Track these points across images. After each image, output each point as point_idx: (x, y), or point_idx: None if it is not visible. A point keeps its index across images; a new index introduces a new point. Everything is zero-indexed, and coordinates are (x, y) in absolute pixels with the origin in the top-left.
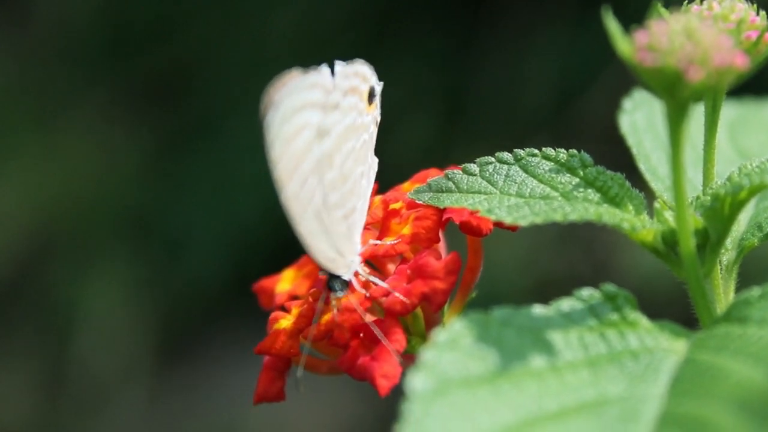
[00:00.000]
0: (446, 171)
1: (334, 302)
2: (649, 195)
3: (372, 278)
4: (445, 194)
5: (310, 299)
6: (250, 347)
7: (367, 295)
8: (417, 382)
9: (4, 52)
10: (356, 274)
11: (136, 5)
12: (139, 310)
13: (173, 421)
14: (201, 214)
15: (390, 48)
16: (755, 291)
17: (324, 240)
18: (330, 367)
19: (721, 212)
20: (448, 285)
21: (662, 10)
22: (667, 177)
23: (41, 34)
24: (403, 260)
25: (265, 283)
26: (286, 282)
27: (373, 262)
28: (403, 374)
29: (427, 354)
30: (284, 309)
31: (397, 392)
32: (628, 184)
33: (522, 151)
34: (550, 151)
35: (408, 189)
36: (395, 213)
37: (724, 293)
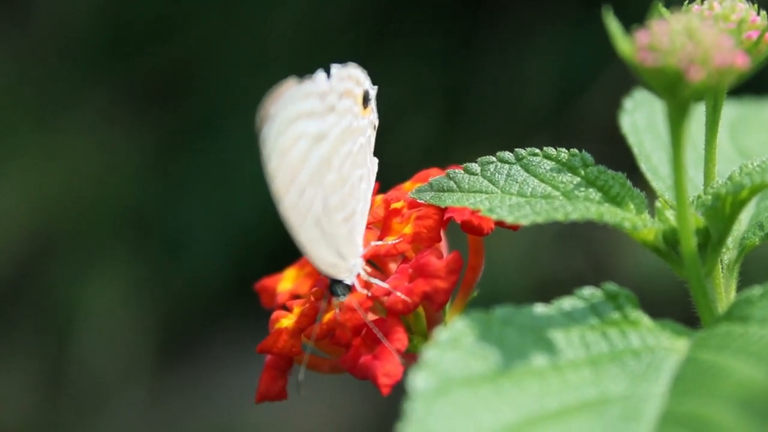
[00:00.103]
0: (447, 170)
1: (336, 304)
2: (650, 194)
3: (374, 280)
4: (446, 193)
5: (312, 298)
6: (250, 347)
7: (369, 294)
8: (419, 380)
9: (4, 52)
10: (358, 276)
11: (136, 5)
12: (139, 310)
13: (173, 420)
14: (201, 214)
15: (390, 48)
16: (756, 290)
17: (324, 246)
18: (332, 366)
19: (722, 211)
20: (450, 284)
21: (663, 9)
22: (668, 176)
23: (41, 33)
24: (405, 259)
25: (266, 282)
26: (287, 281)
27: (375, 262)
28: (405, 373)
29: (429, 353)
30: (286, 308)
31: (398, 391)
32: (629, 183)
33: (523, 150)
34: (551, 150)
35: (409, 188)
36: (397, 212)
37: (725, 292)
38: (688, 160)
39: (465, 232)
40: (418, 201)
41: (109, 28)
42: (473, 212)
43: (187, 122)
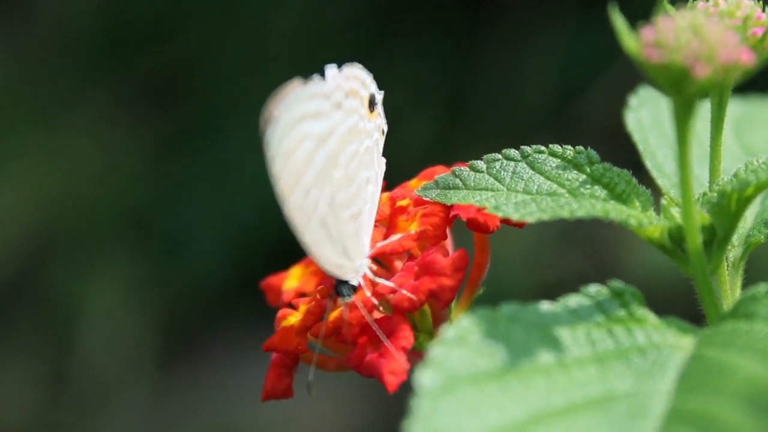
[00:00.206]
0: (453, 168)
1: (341, 304)
2: (656, 192)
3: (380, 280)
4: (452, 191)
5: (318, 296)
6: (251, 347)
7: (369, 294)
8: (425, 378)
9: (4, 52)
10: (364, 276)
11: (136, 5)
12: (140, 309)
13: (174, 420)
14: (201, 213)
15: (390, 48)
16: (762, 287)
17: (330, 247)
18: (338, 364)
19: (727, 209)
20: (456, 282)
21: (668, 6)
22: (673, 174)
23: (41, 33)
24: (411, 257)
25: (272, 280)
26: (293, 279)
27: (381, 259)
28: (411, 371)
29: (436, 350)
30: (292, 306)
31: (402, 389)
32: (634, 180)
33: (529, 148)
34: (557, 148)
35: (415, 186)
36: (402, 210)
37: (730, 289)
38: (694, 157)
39: (470, 229)
40: (424, 198)
41: (109, 28)
42: (479, 210)
43: (188, 122)
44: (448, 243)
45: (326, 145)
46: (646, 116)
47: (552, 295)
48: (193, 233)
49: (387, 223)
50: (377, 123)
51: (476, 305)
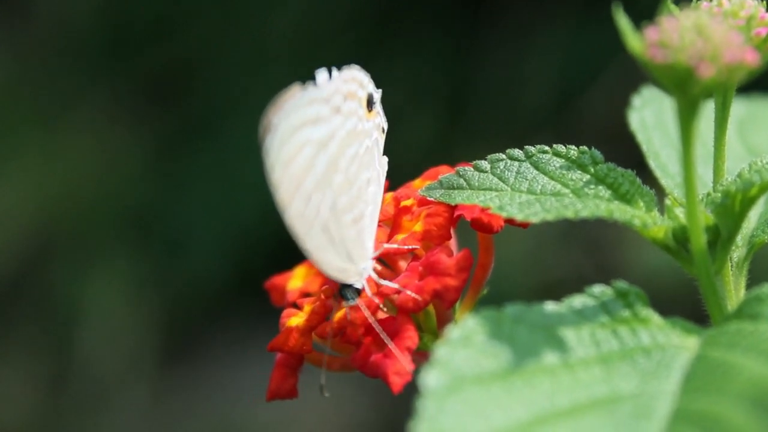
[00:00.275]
0: (457, 168)
1: (346, 307)
2: (659, 192)
3: (384, 282)
4: (456, 191)
5: (322, 296)
6: (251, 347)
7: (371, 295)
8: (431, 378)
9: (4, 52)
10: (369, 278)
11: (136, 5)
12: (140, 309)
13: (174, 420)
14: (201, 213)
15: (390, 48)
16: (766, 288)
17: (332, 251)
18: (342, 364)
19: (731, 209)
20: (460, 282)
21: (672, 6)
22: (677, 174)
23: (41, 33)
24: (415, 257)
25: (276, 280)
26: (297, 279)
27: (385, 260)
28: (416, 371)
29: (441, 351)
30: (296, 306)
31: (405, 389)
32: (638, 180)
33: (533, 148)
34: (560, 148)
35: (419, 186)
36: (406, 210)
37: (734, 290)
38: (698, 157)
39: (475, 229)
40: (428, 198)
41: (109, 28)
42: (483, 210)
43: (188, 122)
44: (453, 243)
45: (327, 150)
46: (650, 116)
47: (555, 294)
48: (193, 233)
49: (391, 223)
50: (376, 122)
51: (480, 305)
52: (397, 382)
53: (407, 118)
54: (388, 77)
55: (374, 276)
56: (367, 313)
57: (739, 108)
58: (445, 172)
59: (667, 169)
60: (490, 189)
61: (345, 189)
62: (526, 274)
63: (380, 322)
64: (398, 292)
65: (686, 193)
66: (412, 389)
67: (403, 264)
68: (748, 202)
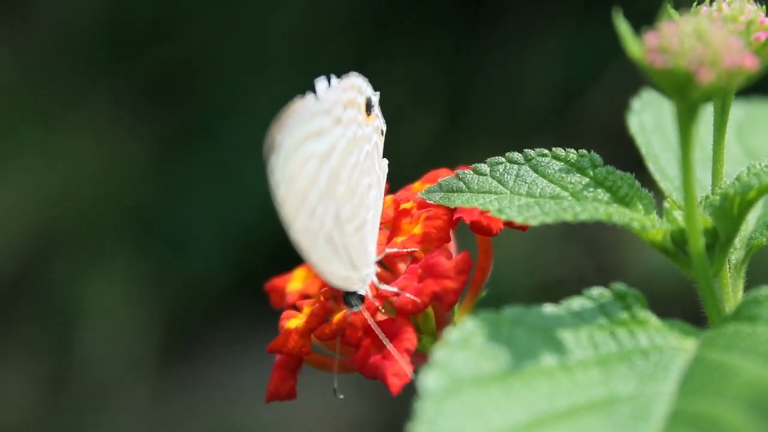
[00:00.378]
0: (457, 171)
1: (349, 313)
2: (658, 195)
3: (385, 287)
4: (455, 194)
5: (322, 298)
6: (251, 347)
7: (371, 298)
8: (429, 380)
9: (4, 52)
10: (371, 284)
11: (137, 5)
12: (141, 309)
13: (174, 420)
14: (202, 213)
15: (390, 48)
16: (764, 290)
17: (336, 261)
18: (342, 366)
19: (730, 212)
20: (459, 284)
21: (672, 11)
22: (676, 177)
23: (42, 33)
24: (414, 260)
25: (276, 282)
26: (297, 281)
27: (384, 262)
28: (414, 373)
29: (440, 353)
30: (296, 308)
31: (404, 391)
32: (637, 183)
33: (532, 151)
34: (560, 151)
35: (419, 189)
36: (406, 213)
37: (732, 292)
38: (696, 160)
39: (474, 232)
40: (428, 201)
41: (109, 27)
42: (482, 213)
43: (188, 122)
44: (452, 246)
45: (329, 161)
46: (649, 119)
47: (555, 296)
48: (194, 233)
49: (391, 225)
50: (375, 125)
51: (479, 308)
52: (395, 384)
53: (407, 118)
54: (388, 77)
55: (375, 281)
56: (367, 315)
57: (738, 111)
58: (444, 175)
59: (666, 172)
60: (490, 192)
61: (348, 198)
62: (526, 276)
63: (379, 323)
64: (397, 294)
65: (685, 196)
66: (411, 391)
67: (402, 266)
68: (747, 205)
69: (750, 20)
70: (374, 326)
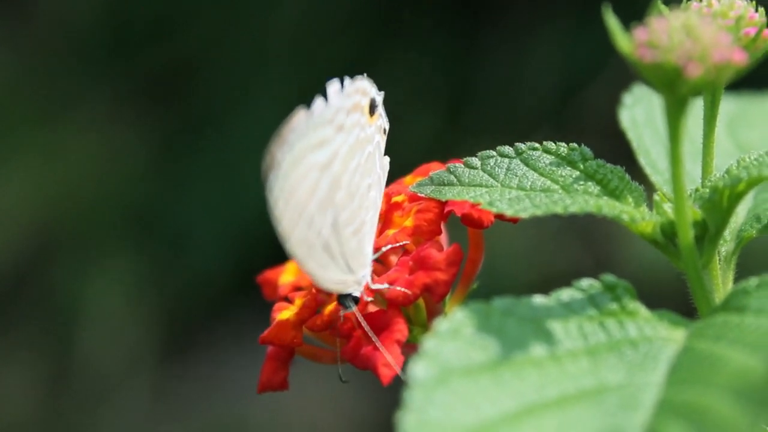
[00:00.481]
0: (448, 164)
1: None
2: (649, 188)
3: (377, 286)
4: (446, 187)
5: (313, 290)
6: (253, 343)
7: (365, 293)
8: (419, 370)
9: (5, 51)
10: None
11: (137, 4)
12: (142, 307)
13: (174, 418)
14: (203, 211)
15: (391, 45)
16: (753, 281)
17: (333, 266)
18: (334, 358)
19: (719, 204)
20: (450, 276)
21: (662, 7)
22: (666, 170)
23: (43, 32)
24: (405, 252)
25: (268, 274)
26: (289, 273)
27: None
28: (405, 363)
29: (429, 343)
30: (288, 300)
31: (402, 384)
32: (627, 177)
33: (523, 144)
34: (550, 144)
35: (410, 182)
36: (397, 206)
37: (722, 284)
38: (687, 154)
39: (465, 225)
40: (419, 195)
41: (110, 26)
42: (473, 205)
43: (189, 120)
44: (443, 238)
45: (330, 170)
46: (641, 114)
47: (552, 291)
48: (194, 232)
49: (382, 218)
50: (378, 124)
51: (470, 300)
52: (386, 374)
53: (407, 118)
54: (390, 76)
55: (371, 282)
56: (357, 313)
57: (729, 105)
58: (435, 169)
59: (656, 165)
60: (481, 185)
61: (347, 203)
62: (524, 271)
63: (371, 315)
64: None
65: (674, 189)
66: (406, 383)
67: (393, 258)
68: (736, 198)
69: (739, 16)
70: (363, 323)
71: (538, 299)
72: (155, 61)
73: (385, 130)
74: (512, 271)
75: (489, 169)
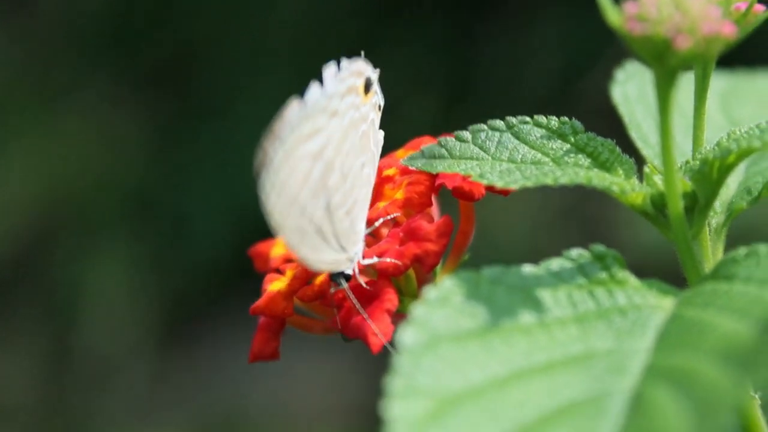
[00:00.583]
0: (439, 138)
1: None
2: (641, 163)
3: (368, 261)
4: (438, 160)
5: None
6: (252, 329)
7: (360, 276)
8: (407, 336)
9: (8, 36)
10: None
11: None
12: (142, 291)
13: (175, 401)
14: (203, 196)
15: (392, 31)
16: (742, 250)
17: (325, 248)
18: (324, 328)
19: (709, 176)
20: (440, 247)
21: None
22: (657, 144)
23: (46, 17)
24: (396, 224)
25: (260, 247)
26: (281, 246)
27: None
28: (395, 333)
29: (418, 310)
30: (279, 271)
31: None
32: (618, 149)
33: (514, 119)
34: (541, 118)
35: (402, 156)
36: (389, 179)
37: (712, 255)
38: (679, 128)
39: (456, 197)
40: (410, 168)
41: (113, 11)
42: (464, 178)
43: (191, 105)
44: (434, 211)
45: (323, 157)
46: (633, 89)
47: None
48: (196, 216)
49: (374, 191)
50: (373, 101)
51: (461, 271)
52: (376, 343)
53: (408, 104)
54: (390, 62)
55: (362, 259)
56: (347, 289)
57: (722, 82)
58: (427, 143)
59: (648, 139)
60: (472, 158)
61: (340, 185)
62: (523, 258)
63: (361, 286)
64: (380, 255)
65: (663, 160)
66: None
67: (384, 231)
68: (726, 169)
69: None
70: (353, 300)
71: (528, 268)
72: (157, 48)
73: (380, 106)
74: (510, 257)
75: (480, 142)
